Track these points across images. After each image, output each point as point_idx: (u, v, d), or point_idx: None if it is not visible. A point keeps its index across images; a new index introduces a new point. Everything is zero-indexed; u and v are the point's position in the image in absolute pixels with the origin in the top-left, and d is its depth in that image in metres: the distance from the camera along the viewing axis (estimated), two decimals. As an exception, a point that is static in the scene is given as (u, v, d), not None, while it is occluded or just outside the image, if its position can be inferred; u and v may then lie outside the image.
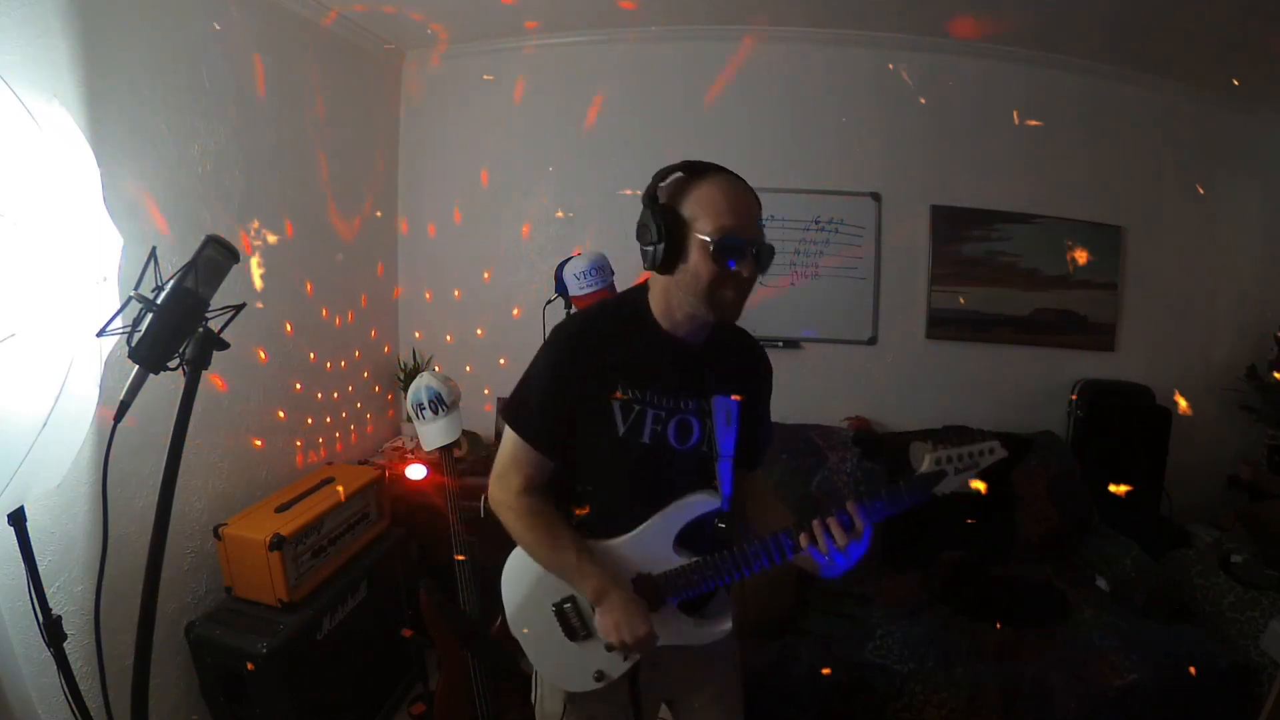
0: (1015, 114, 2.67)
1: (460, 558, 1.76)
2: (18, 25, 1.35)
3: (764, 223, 1.04)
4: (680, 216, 1.00)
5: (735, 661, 1.31)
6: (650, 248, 1.02)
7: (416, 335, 3.05)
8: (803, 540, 1.02)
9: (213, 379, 1.93)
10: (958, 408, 2.80)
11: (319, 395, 2.46)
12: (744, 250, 0.99)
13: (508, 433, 1.12)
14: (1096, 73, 2.69)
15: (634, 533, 1.11)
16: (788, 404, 2.72)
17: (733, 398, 1.11)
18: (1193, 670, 1.84)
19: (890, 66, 2.68)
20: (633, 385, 1.07)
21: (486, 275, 2.97)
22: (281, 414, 2.25)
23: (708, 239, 0.98)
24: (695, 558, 1.09)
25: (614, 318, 1.12)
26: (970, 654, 1.91)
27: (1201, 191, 2.70)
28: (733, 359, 1.15)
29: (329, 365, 2.51)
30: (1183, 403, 2.66)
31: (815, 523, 1.01)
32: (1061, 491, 2.52)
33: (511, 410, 1.11)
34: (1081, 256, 2.73)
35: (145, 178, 1.70)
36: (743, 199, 1.01)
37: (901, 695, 1.84)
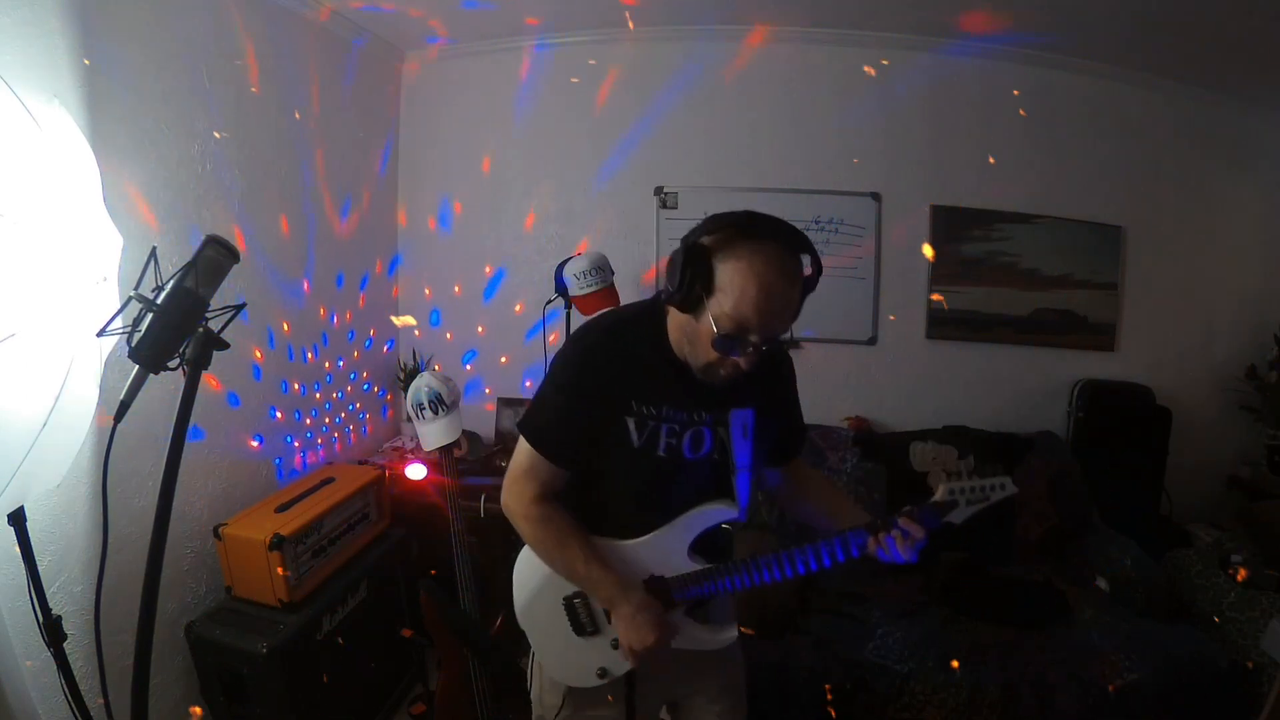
0: (1022, 110, 2.67)
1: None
2: (18, 25, 1.35)
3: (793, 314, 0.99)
4: (711, 276, 0.95)
5: (739, 660, 1.31)
6: (672, 289, 0.98)
7: (416, 334, 3.05)
8: (870, 545, 1.05)
9: (210, 379, 1.93)
10: (957, 408, 2.80)
11: (319, 395, 2.46)
12: (750, 346, 0.97)
13: (522, 443, 1.11)
14: (1097, 72, 2.68)
15: (649, 536, 1.12)
16: (787, 404, 2.75)
17: (750, 409, 1.09)
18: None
19: (889, 65, 2.68)
20: (647, 402, 1.07)
21: (487, 274, 2.97)
22: (281, 414, 2.25)
23: (719, 325, 0.95)
24: (708, 564, 1.11)
25: (631, 334, 1.10)
26: (970, 654, 1.91)
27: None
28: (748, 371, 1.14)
29: (328, 365, 2.51)
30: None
31: (885, 535, 1.04)
32: (1061, 491, 2.51)
33: (528, 424, 1.11)
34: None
35: (145, 178, 1.70)
36: (775, 293, 0.95)
37: (901, 695, 1.84)
